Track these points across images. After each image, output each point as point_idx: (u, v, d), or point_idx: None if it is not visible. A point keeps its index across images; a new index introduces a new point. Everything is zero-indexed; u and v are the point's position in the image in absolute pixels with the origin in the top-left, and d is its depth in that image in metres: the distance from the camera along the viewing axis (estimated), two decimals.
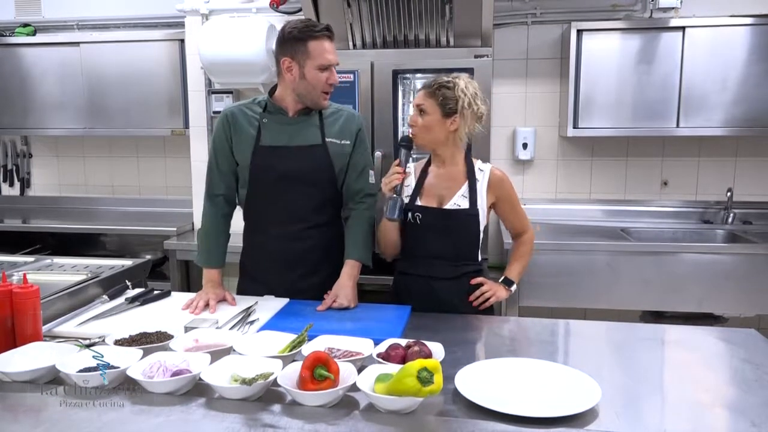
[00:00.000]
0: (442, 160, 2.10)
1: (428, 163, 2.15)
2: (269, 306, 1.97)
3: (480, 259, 2.15)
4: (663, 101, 3.25)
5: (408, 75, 3.20)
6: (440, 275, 2.08)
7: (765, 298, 3.01)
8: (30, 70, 4.00)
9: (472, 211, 2.05)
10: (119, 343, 1.57)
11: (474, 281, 2.09)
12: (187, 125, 3.80)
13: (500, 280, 2.15)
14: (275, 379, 1.30)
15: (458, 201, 2.07)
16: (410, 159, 2.07)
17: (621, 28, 3.29)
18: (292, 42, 1.97)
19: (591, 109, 3.32)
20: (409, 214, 2.08)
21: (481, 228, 2.10)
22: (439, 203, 2.07)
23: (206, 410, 1.26)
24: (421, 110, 2.02)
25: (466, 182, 2.08)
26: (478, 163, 2.12)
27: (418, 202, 2.08)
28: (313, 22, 2.02)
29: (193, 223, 3.80)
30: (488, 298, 2.08)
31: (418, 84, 3.46)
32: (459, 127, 2.02)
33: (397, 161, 2.03)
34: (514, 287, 2.15)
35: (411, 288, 2.12)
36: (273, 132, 2.09)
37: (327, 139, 2.10)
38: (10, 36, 4.10)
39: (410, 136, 2.06)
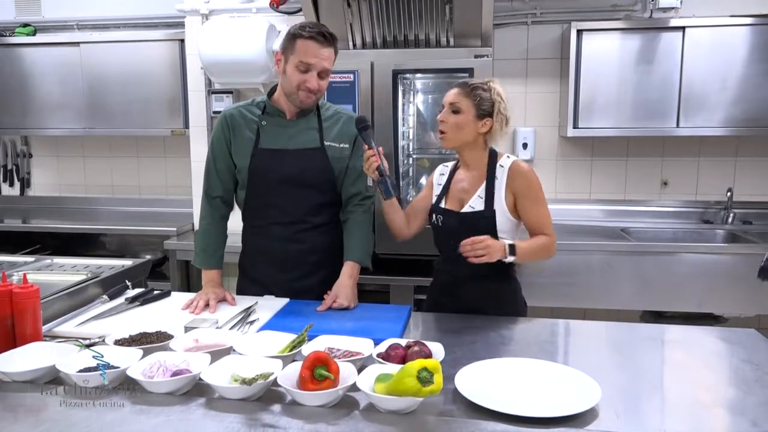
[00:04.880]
0: (467, 163, 2.06)
1: (456, 166, 2.13)
2: (269, 306, 1.97)
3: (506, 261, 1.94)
4: (663, 101, 3.25)
5: (408, 75, 3.21)
6: (463, 275, 2.02)
7: (765, 298, 3.01)
8: (30, 70, 4.00)
9: (487, 213, 1.98)
10: (119, 343, 1.57)
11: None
12: (187, 125, 3.80)
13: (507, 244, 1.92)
14: (275, 379, 1.30)
15: (474, 203, 2.00)
16: (372, 137, 1.99)
17: (621, 28, 3.29)
18: (287, 37, 2.00)
19: (591, 109, 3.32)
20: (434, 216, 2.08)
21: (501, 228, 1.98)
22: (460, 206, 2.03)
23: (206, 410, 1.26)
24: (454, 109, 1.98)
25: (484, 181, 2.01)
26: (502, 159, 2.03)
27: (442, 205, 2.07)
28: (314, 25, 2.01)
29: (193, 223, 3.80)
30: (481, 251, 1.83)
31: (419, 84, 3.47)
32: (492, 129, 2.00)
33: (365, 147, 1.97)
34: (512, 258, 1.90)
35: (442, 287, 2.11)
36: (272, 135, 2.09)
37: (326, 143, 2.10)
38: (10, 36, 4.10)
39: (364, 116, 2.04)
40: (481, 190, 2.01)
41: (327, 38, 1.97)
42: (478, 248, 1.83)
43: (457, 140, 2.01)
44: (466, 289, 2.04)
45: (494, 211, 1.98)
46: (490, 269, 1.93)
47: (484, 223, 1.98)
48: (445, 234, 2.05)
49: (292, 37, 1.98)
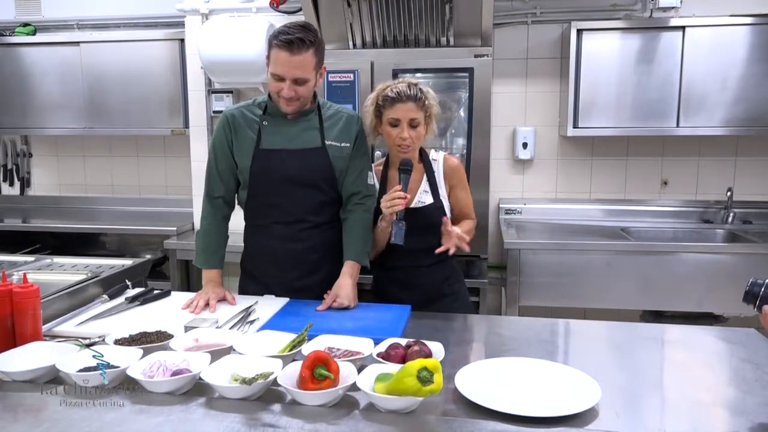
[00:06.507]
0: None
1: (387, 166, 2.22)
2: (269, 305, 1.97)
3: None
4: (663, 101, 3.25)
5: (408, 75, 3.20)
6: (417, 264, 2.16)
7: None
8: (30, 70, 4.00)
9: (437, 204, 2.14)
10: (119, 342, 1.57)
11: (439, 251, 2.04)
12: (187, 125, 3.80)
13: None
14: (275, 379, 1.30)
15: (421, 198, 2.14)
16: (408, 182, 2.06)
17: (621, 28, 3.29)
18: (267, 43, 1.99)
19: (591, 109, 3.32)
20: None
21: (449, 216, 2.16)
22: (406, 203, 2.07)
23: (206, 410, 1.26)
24: (414, 124, 2.04)
25: (424, 176, 2.15)
26: (432, 153, 2.19)
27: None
28: (288, 29, 1.94)
29: (193, 223, 3.80)
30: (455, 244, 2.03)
31: None
32: (428, 131, 2.11)
33: (398, 186, 2.01)
34: None
35: (392, 279, 2.20)
36: (273, 135, 2.09)
37: (327, 142, 2.10)
38: (10, 36, 4.10)
39: (409, 158, 2.06)
40: (425, 185, 2.16)
41: (298, 45, 1.91)
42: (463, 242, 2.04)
43: (416, 149, 2.13)
44: (422, 276, 2.16)
45: (442, 201, 2.15)
46: (436, 257, 2.09)
47: (435, 213, 2.11)
48: None
49: (269, 43, 1.97)
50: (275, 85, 1.98)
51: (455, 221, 2.20)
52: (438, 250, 2.03)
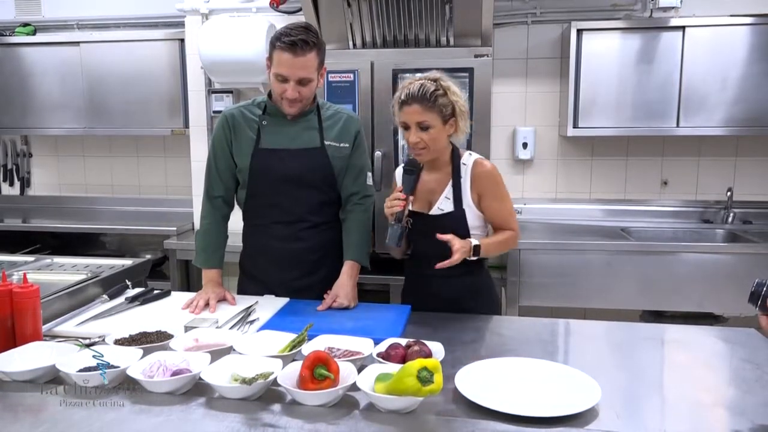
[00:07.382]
0: (431, 164, 2.02)
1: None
2: (269, 305, 1.97)
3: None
4: (663, 101, 3.25)
5: (408, 75, 3.19)
6: (438, 273, 1.99)
7: None
8: (30, 70, 4.00)
9: (458, 213, 1.97)
10: (119, 342, 1.57)
11: (441, 237, 1.89)
12: (187, 125, 3.80)
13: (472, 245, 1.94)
14: (275, 379, 1.31)
15: (442, 205, 1.99)
16: (415, 184, 1.96)
17: (621, 28, 3.29)
18: (269, 44, 1.99)
19: (591, 109, 3.32)
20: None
21: (472, 224, 1.99)
22: (428, 207, 2.02)
23: (206, 410, 1.26)
24: (424, 126, 1.90)
25: (450, 181, 2.00)
26: (464, 157, 2.02)
27: (410, 207, 2.02)
28: (291, 30, 1.94)
29: (193, 223, 3.80)
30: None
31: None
32: (457, 129, 1.96)
33: (399, 187, 1.95)
34: (474, 258, 1.94)
35: (416, 286, 2.12)
36: (272, 134, 2.10)
37: (326, 142, 2.10)
38: (10, 36, 4.10)
39: (416, 159, 1.96)
40: (448, 191, 1.99)
41: (302, 46, 1.91)
42: (453, 259, 1.85)
43: (435, 152, 1.96)
44: (441, 286, 2.03)
45: (464, 210, 1.98)
46: (460, 265, 1.91)
47: (455, 223, 1.96)
48: (416, 234, 2.02)
49: (271, 45, 1.97)
50: (279, 87, 1.99)
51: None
52: (437, 266, 1.86)
